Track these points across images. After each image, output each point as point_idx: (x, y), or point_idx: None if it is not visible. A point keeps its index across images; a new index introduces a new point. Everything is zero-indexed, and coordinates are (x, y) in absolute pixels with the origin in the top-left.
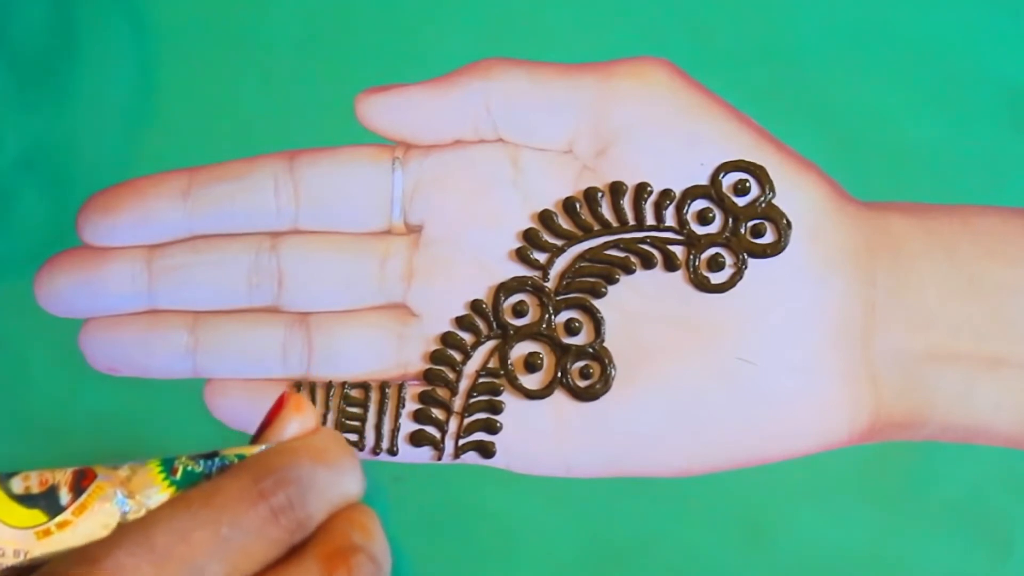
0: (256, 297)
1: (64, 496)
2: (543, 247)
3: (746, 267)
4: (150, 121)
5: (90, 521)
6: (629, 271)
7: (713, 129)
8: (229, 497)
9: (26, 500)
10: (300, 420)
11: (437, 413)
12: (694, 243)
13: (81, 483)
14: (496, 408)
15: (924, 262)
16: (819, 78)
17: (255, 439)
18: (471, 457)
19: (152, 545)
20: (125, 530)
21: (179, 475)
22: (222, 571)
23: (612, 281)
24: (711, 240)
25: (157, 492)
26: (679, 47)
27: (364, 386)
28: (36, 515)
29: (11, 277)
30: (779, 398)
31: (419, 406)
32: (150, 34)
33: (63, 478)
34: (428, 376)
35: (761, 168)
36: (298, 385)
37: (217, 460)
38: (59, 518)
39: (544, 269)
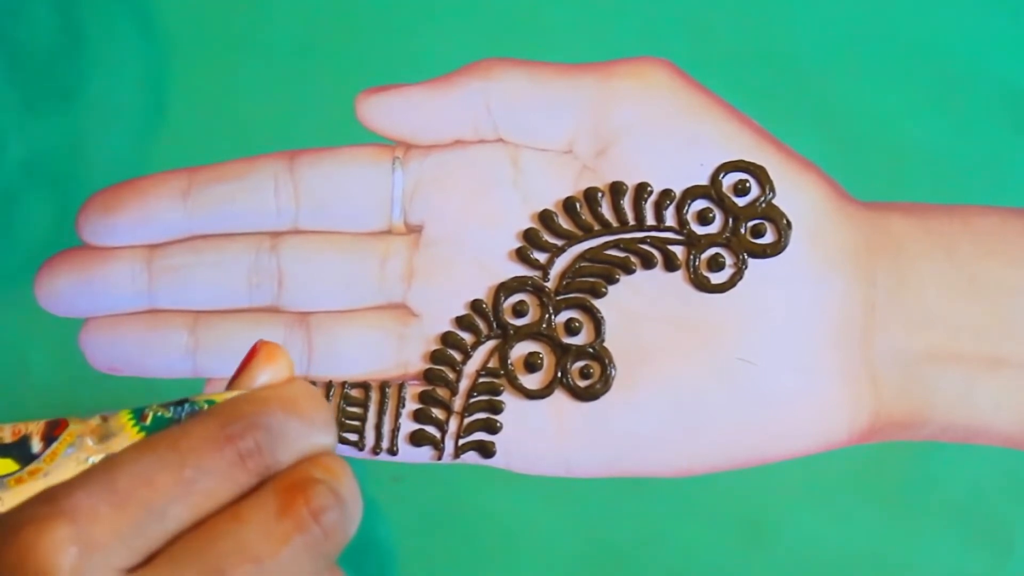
0: (256, 297)
1: (36, 445)
2: (543, 247)
3: (746, 267)
4: (154, 124)
5: (60, 468)
6: (629, 271)
7: (713, 129)
8: (195, 440)
9: None
10: (272, 369)
11: (437, 413)
12: (694, 243)
13: (53, 432)
14: (496, 408)
15: (924, 262)
16: (819, 78)
17: (228, 387)
18: (471, 457)
19: (114, 487)
20: (89, 472)
21: (149, 421)
22: (184, 514)
23: (612, 281)
24: (711, 240)
25: (127, 439)
26: (679, 47)
27: (364, 386)
28: (8, 464)
29: (13, 278)
30: (779, 398)
31: (419, 406)
32: (154, 37)
33: (35, 428)
34: (428, 376)
35: (761, 168)
36: None
37: (187, 406)
38: (30, 466)
39: (544, 269)
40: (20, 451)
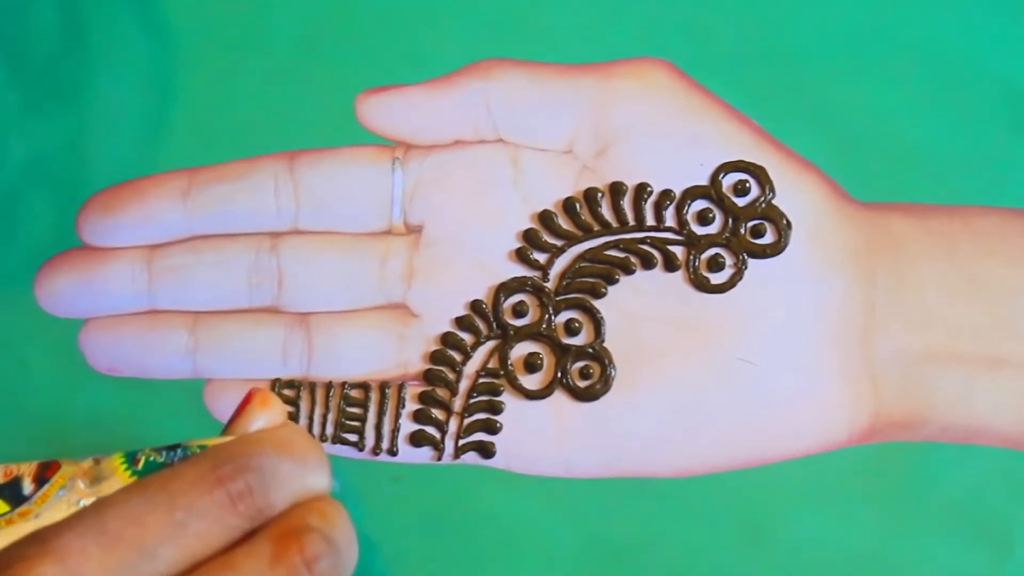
0: (256, 297)
1: (27, 486)
2: (543, 247)
3: (746, 267)
4: (154, 124)
5: (52, 510)
6: (629, 271)
7: (713, 129)
8: (186, 482)
9: None
10: (267, 415)
11: (437, 413)
12: (694, 243)
13: (45, 474)
14: (496, 408)
15: (924, 262)
16: (819, 78)
17: (222, 434)
18: (471, 457)
19: (103, 528)
20: (79, 513)
21: (141, 465)
22: (175, 555)
23: (612, 281)
24: (711, 240)
25: (119, 482)
26: (679, 47)
27: (364, 386)
28: (0, 505)
29: (14, 278)
30: (779, 398)
31: (419, 406)
32: (155, 38)
33: (27, 470)
34: (428, 376)
35: (761, 168)
36: (298, 385)
37: (180, 451)
38: (21, 508)
39: (544, 269)
40: (11, 492)
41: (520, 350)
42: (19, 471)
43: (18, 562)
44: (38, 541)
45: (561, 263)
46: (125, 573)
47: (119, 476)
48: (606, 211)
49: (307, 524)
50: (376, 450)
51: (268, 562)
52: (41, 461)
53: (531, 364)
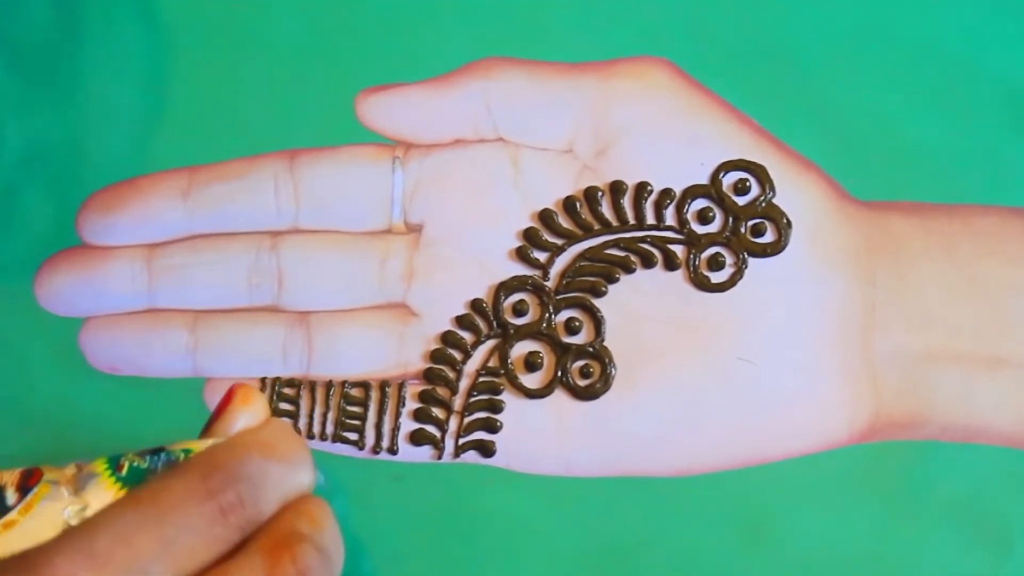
0: (256, 297)
1: (10, 496)
2: (543, 246)
3: (746, 267)
4: (153, 121)
5: (36, 520)
6: (629, 270)
7: (713, 129)
8: (176, 496)
9: None
10: (249, 413)
11: (437, 412)
12: (694, 242)
13: (28, 482)
14: (496, 407)
15: (924, 262)
16: (819, 78)
17: (204, 433)
18: (471, 456)
19: (93, 549)
20: (68, 534)
21: (125, 471)
22: (166, 572)
23: (612, 280)
24: (711, 239)
25: (103, 489)
26: (679, 47)
27: (364, 385)
28: None
29: (13, 277)
30: (779, 398)
31: (419, 405)
32: (154, 35)
33: (10, 478)
34: (428, 375)
35: (761, 167)
36: (298, 384)
37: (163, 455)
38: (5, 518)
39: (544, 268)
40: None
41: (520, 349)
42: (1, 480)
43: None
44: (26, 565)
45: (561, 262)
46: None
47: (103, 482)
48: (606, 210)
49: (298, 532)
50: (376, 449)
51: (262, 575)
52: (23, 469)
53: (531, 363)
